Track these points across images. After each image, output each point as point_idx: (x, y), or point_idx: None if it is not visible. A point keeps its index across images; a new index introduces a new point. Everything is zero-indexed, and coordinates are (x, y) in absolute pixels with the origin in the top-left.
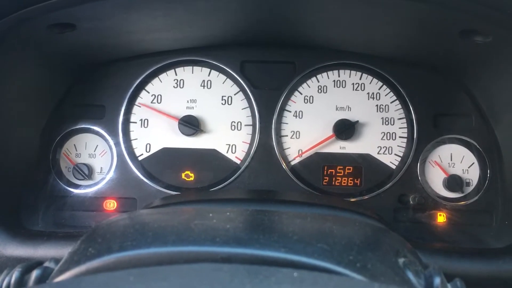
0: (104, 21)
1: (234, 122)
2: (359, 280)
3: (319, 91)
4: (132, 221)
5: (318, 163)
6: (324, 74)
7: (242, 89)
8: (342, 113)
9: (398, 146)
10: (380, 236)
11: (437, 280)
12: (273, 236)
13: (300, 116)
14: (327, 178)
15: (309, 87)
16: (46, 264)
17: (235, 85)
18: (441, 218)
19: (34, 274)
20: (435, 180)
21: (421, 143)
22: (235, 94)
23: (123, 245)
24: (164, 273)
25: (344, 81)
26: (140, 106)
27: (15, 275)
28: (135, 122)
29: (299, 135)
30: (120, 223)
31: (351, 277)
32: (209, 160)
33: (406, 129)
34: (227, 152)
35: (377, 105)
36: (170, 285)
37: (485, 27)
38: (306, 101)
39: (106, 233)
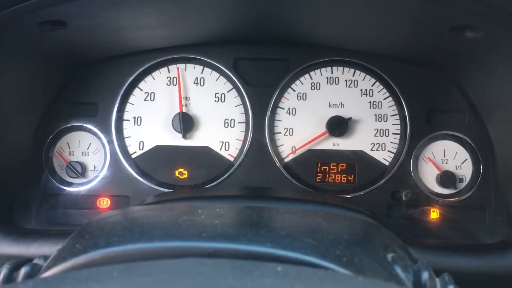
0: (94, 18)
1: (228, 120)
2: (343, 274)
3: (312, 88)
4: (121, 217)
5: (312, 160)
6: (317, 71)
7: (235, 87)
8: (335, 110)
9: (391, 142)
10: (369, 231)
11: (425, 275)
12: (260, 231)
13: (293, 113)
14: (321, 175)
15: (302, 84)
16: (35, 261)
17: (228, 82)
18: (434, 214)
19: (23, 270)
20: (428, 176)
21: (414, 139)
22: (228, 92)
23: (109, 241)
24: (147, 268)
25: (337, 78)
26: (133, 104)
27: (3, 271)
28: (128, 120)
29: (292, 132)
30: (109, 220)
31: (336, 271)
32: (203, 157)
33: (399, 125)
34: (220, 150)
35: (370, 102)
36: (152, 279)
37: (475, 22)
38: (299, 98)
39: (95, 230)
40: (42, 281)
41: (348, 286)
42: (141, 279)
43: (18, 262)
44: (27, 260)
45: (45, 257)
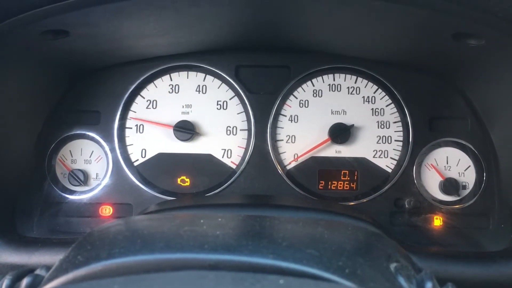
0: (96, 27)
1: (230, 127)
2: (347, 286)
3: (314, 95)
4: (122, 227)
5: (314, 167)
6: (319, 78)
7: (237, 94)
8: (337, 117)
9: (393, 149)
10: (372, 241)
11: (429, 285)
12: (262, 242)
13: (296, 120)
14: (323, 182)
15: (304, 91)
16: (37, 271)
17: (230, 89)
18: (437, 221)
19: (25, 282)
20: (431, 183)
21: (417, 146)
22: (230, 99)
23: (111, 252)
24: (149, 281)
25: (339, 85)
26: (135, 111)
27: (5, 283)
28: (131, 128)
29: (294, 140)
30: (110, 230)
31: (339, 283)
32: (205, 165)
33: (402, 132)
34: (222, 157)
35: (372, 109)
36: None
37: (477, 30)
38: (301, 105)
39: (96, 240)
40: None
41: None
42: None
43: (20, 273)
44: (29, 271)
45: (47, 268)
